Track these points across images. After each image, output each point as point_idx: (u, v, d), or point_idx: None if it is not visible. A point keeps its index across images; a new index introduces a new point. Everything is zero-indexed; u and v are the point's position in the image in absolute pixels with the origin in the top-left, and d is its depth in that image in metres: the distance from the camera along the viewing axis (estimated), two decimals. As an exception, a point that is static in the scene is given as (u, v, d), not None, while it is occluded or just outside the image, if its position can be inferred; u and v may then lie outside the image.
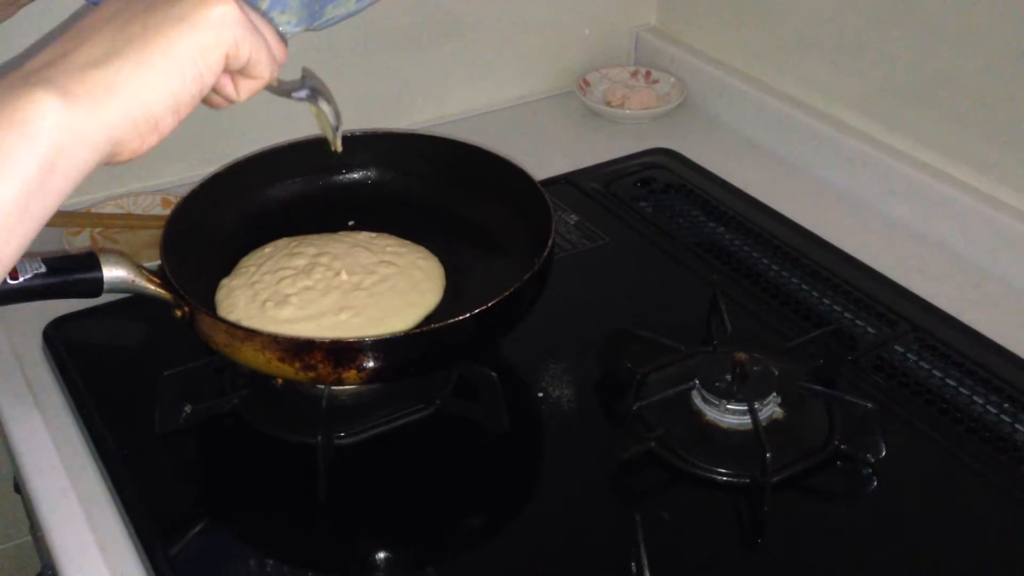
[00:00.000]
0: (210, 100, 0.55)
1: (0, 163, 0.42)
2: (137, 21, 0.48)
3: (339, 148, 0.71)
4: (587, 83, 1.29)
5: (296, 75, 0.66)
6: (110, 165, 0.48)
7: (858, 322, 0.90)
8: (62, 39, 0.48)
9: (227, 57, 0.51)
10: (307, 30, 0.68)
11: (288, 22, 0.68)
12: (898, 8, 1.03)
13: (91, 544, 0.72)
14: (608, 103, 1.27)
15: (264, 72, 0.54)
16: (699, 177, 1.13)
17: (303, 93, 0.64)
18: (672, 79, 1.29)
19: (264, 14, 0.57)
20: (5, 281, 0.69)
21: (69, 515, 0.75)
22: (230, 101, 0.56)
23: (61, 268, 0.72)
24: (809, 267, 0.97)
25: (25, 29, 0.94)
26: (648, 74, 1.31)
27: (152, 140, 0.49)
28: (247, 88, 0.55)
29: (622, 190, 1.11)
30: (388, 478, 0.77)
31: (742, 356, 0.78)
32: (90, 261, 0.73)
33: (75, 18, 0.94)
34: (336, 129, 0.68)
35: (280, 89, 0.62)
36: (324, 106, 0.65)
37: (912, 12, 1.01)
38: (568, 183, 1.11)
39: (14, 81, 0.45)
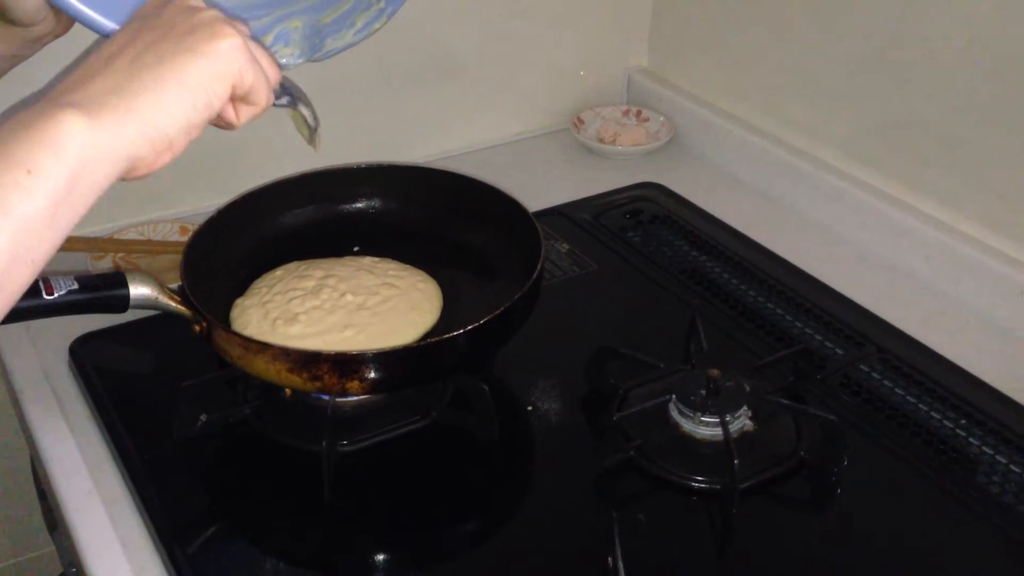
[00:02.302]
0: (213, 124, 0.60)
1: (33, 176, 0.48)
2: (151, 51, 0.54)
3: (319, 147, 0.72)
4: (581, 121, 1.36)
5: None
6: (127, 180, 0.54)
7: (827, 343, 0.96)
8: (83, 66, 0.54)
9: (233, 87, 0.56)
10: (308, 61, 0.74)
11: (291, 54, 0.73)
12: (870, 57, 1.09)
13: (114, 542, 0.77)
14: (601, 140, 1.33)
15: (262, 99, 0.59)
16: (684, 209, 1.19)
17: (284, 100, 0.67)
18: (662, 118, 1.36)
19: (266, 47, 0.62)
20: (42, 296, 0.75)
21: (93, 515, 0.79)
22: (230, 126, 0.61)
23: (91, 285, 0.78)
24: (784, 293, 1.03)
25: (45, 67, 0.99)
26: (639, 113, 1.38)
27: (166, 158, 0.54)
28: (247, 113, 0.60)
29: (611, 221, 1.17)
30: (388, 483, 0.82)
31: (715, 373, 0.84)
32: (118, 279, 0.79)
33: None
34: (314, 130, 0.70)
35: None
36: (303, 110, 0.68)
37: (883, 61, 1.08)
38: (561, 214, 1.17)
39: (45, 105, 0.50)
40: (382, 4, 0.75)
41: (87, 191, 0.50)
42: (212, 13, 0.57)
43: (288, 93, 0.67)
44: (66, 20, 0.71)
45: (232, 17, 0.64)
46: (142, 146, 0.52)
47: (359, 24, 0.74)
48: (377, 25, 0.74)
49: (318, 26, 0.72)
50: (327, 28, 0.73)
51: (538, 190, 1.21)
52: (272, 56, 0.61)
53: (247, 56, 0.57)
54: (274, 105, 0.68)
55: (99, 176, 0.50)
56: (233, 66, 0.56)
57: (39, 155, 0.48)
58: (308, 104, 0.69)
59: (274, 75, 0.61)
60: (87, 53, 0.56)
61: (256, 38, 0.70)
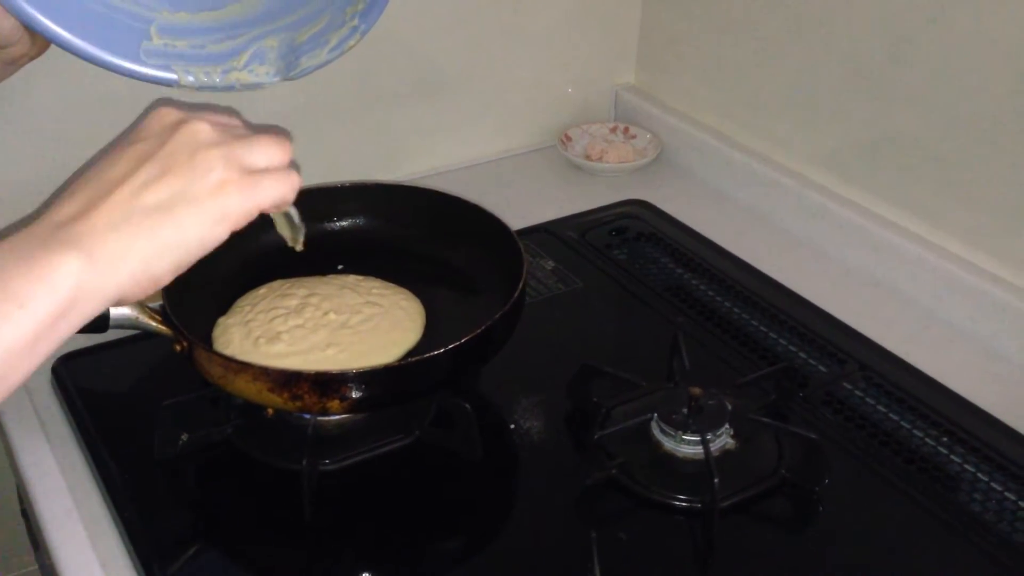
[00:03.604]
0: None
1: (22, 308, 0.49)
2: (151, 192, 0.55)
3: (301, 247, 0.72)
4: (569, 138, 1.37)
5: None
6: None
7: (811, 361, 0.96)
8: (87, 186, 0.55)
9: (233, 228, 0.57)
10: (284, 79, 0.74)
11: (267, 73, 0.73)
12: (854, 74, 1.09)
13: (93, 562, 0.77)
14: (588, 157, 1.33)
15: (285, 205, 0.60)
16: (670, 226, 1.19)
17: None
18: (648, 135, 1.36)
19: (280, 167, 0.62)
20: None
21: (73, 535, 0.79)
22: None
23: (72, 306, 0.78)
24: (768, 310, 1.04)
25: (21, 89, 0.99)
26: (626, 130, 1.38)
27: (151, 291, 0.56)
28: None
29: (597, 238, 1.17)
30: (370, 502, 0.82)
31: (697, 391, 0.84)
32: (98, 299, 0.79)
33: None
34: (300, 230, 0.70)
35: None
36: (291, 209, 0.67)
37: (866, 77, 1.08)
38: (547, 232, 1.18)
39: (45, 231, 0.52)
40: (356, 22, 0.75)
41: (70, 326, 0.52)
42: (215, 153, 0.57)
43: None
44: (41, 42, 0.71)
45: (212, 44, 0.63)
46: (131, 286, 0.54)
47: (333, 42, 0.74)
48: (351, 42, 0.74)
49: (294, 44, 0.73)
50: (303, 46, 0.73)
51: (524, 207, 1.22)
52: (290, 178, 0.60)
53: (250, 203, 0.57)
54: None
55: (85, 312, 0.52)
56: (233, 216, 0.56)
57: (34, 290, 0.50)
58: (294, 208, 0.68)
59: (291, 189, 0.60)
60: (91, 164, 0.58)
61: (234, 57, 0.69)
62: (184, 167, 0.56)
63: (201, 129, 0.57)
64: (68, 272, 0.51)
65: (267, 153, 0.59)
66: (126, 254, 0.53)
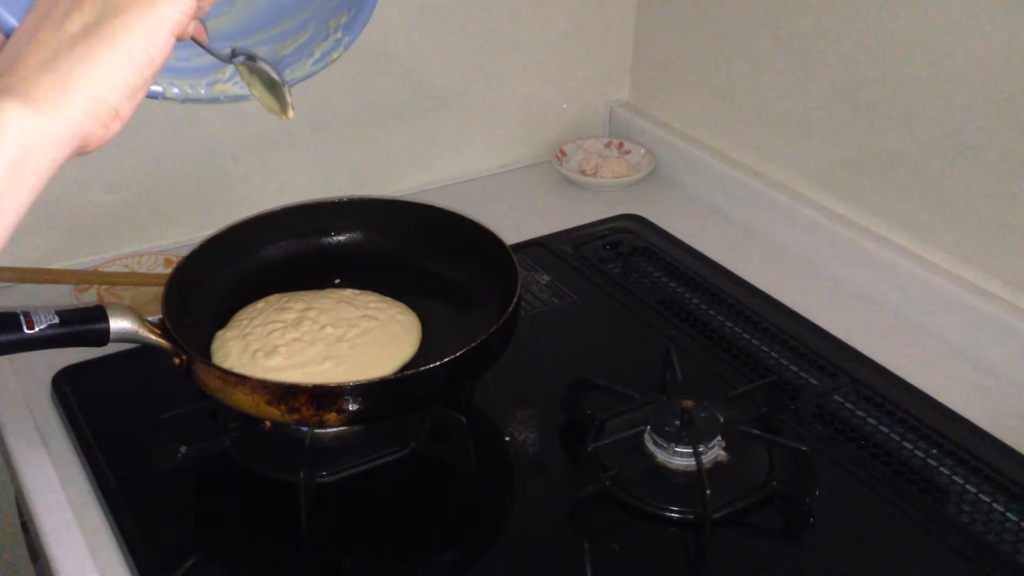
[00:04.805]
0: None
1: None
2: (74, 18, 0.51)
3: (292, 114, 0.66)
4: (564, 153, 1.38)
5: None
6: (82, 155, 0.52)
7: (802, 374, 0.98)
8: (11, 43, 0.52)
9: (173, 34, 0.52)
10: None
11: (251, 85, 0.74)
12: (845, 92, 1.11)
13: (92, 573, 0.77)
14: (583, 172, 1.35)
15: None
16: (663, 241, 1.21)
17: (240, 58, 0.64)
18: (643, 150, 1.38)
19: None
20: (23, 331, 0.76)
21: (73, 547, 0.80)
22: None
23: (72, 319, 0.78)
24: (760, 324, 1.05)
25: None
26: (621, 145, 1.40)
27: (116, 127, 0.51)
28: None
29: (592, 252, 1.19)
30: (367, 514, 0.83)
31: (689, 403, 0.85)
32: (98, 313, 0.80)
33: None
34: (282, 86, 0.65)
35: (218, 55, 0.65)
36: (264, 65, 0.65)
37: (858, 95, 1.10)
38: (541, 246, 1.19)
39: None
40: (339, 34, 0.75)
41: (33, 178, 0.48)
42: None
43: (244, 52, 0.64)
44: None
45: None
46: (86, 122, 0.50)
47: (317, 54, 0.75)
48: (335, 55, 0.75)
49: (278, 57, 0.73)
50: (287, 59, 0.74)
51: (520, 222, 1.23)
52: None
53: (185, 3, 0.53)
54: (233, 63, 0.66)
55: (44, 161, 0.48)
56: (169, 19, 0.52)
57: None
58: (267, 60, 0.65)
59: None
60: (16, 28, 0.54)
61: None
62: None
63: None
64: (6, 122, 0.47)
65: None
66: (68, 88, 0.49)
